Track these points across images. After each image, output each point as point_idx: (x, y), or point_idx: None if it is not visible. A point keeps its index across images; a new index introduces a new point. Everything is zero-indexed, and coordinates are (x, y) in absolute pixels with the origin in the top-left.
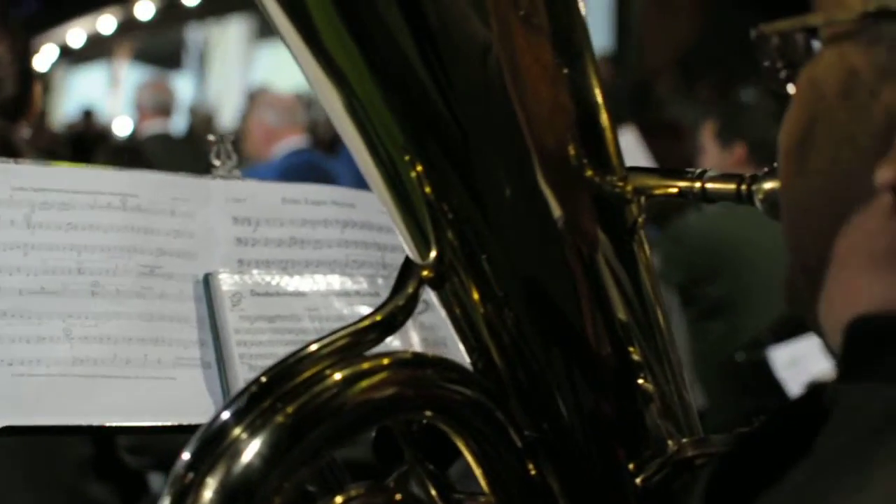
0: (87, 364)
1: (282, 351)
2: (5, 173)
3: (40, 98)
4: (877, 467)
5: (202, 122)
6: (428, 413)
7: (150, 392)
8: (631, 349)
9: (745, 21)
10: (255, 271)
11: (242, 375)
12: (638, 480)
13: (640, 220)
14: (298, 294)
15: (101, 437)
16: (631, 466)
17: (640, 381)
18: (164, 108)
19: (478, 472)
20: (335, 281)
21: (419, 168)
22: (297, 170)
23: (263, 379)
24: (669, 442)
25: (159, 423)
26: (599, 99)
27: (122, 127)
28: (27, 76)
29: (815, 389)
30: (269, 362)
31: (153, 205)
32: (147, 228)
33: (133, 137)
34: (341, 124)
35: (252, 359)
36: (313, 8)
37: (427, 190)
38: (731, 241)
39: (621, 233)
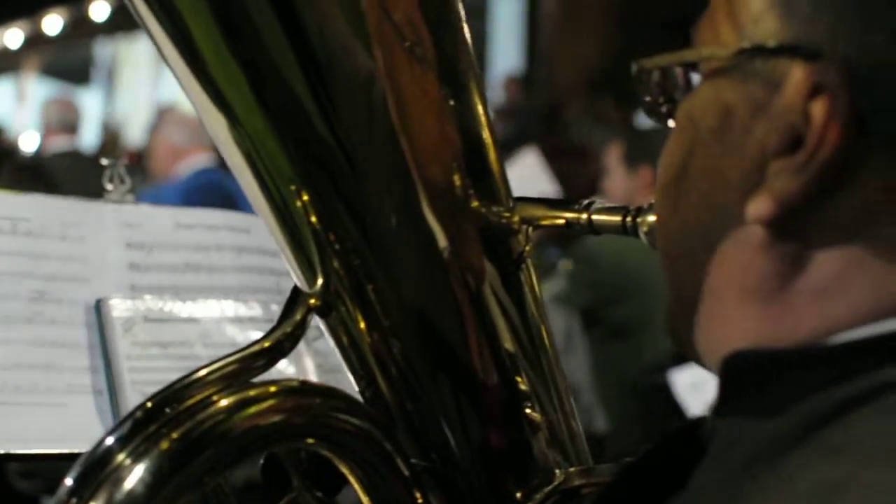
0: None
1: (174, 377)
2: None
3: None
4: (746, 502)
5: (111, 138)
6: (314, 441)
7: (40, 419)
8: (518, 379)
9: (656, 43)
10: (147, 297)
11: (134, 402)
12: None
13: (526, 249)
14: (191, 320)
15: None
16: (518, 495)
17: (528, 410)
18: (70, 125)
19: (364, 500)
20: (229, 307)
21: (305, 198)
22: (201, 190)
23: (148, 404)
24: (557, 471)
25: (50, 451)
26: (486, 130)
27: (29, 143)
28: None
29: (695, 422)
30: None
31: (44, 229)
32: (38, 253)
33: (38, 155)
34: (228, 153)
35: (144, 385)
36: (201, 39)
37: (313, 219)
38: (636, 264)
39: (508, 263)
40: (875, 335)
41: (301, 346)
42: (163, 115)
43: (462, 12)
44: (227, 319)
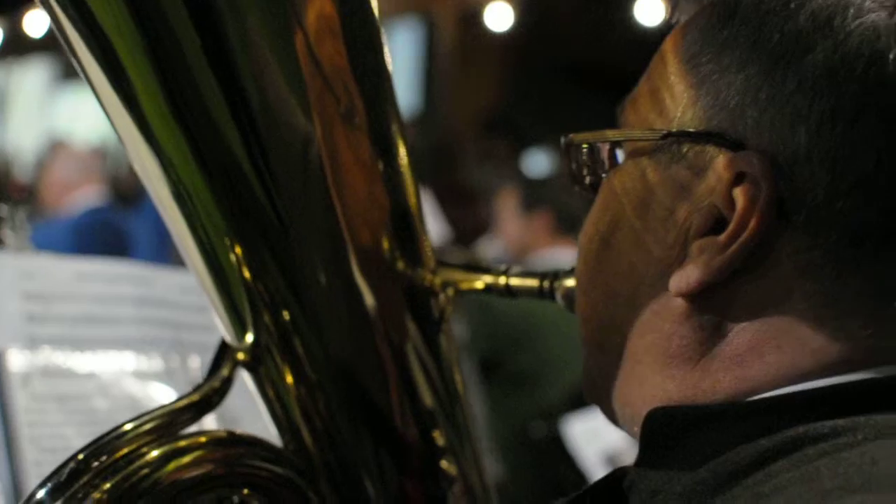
0: None
1: (71, 431)
2: None
3: None
4: None
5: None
6: (241, 490)
7: None
8: (435, 433)
9: (550, 87)
10: (46, 348)
11: (31, 456)
12: None
13: (447, 310)
14: (90, 374)
15: None
16: None
17: (444, 463)
18: None
19: None
20: (129, 360)
21: (238, 251)
22: (93, 229)
23: (81, 456)
24: None
25: None
26: (413, 194)
27: None
28: None
29: (616, 473)
30: (59, 442)
31: None
32: None
33: None
34: (159, 199)
35: (41, 439)
36: (142, 94)
37: (245, 274)
38: (533, 313)
39: (429, 323)
40: (788, 393)
41: None
42: (55, 150)
43: (390, 74)
44: (127, 373)
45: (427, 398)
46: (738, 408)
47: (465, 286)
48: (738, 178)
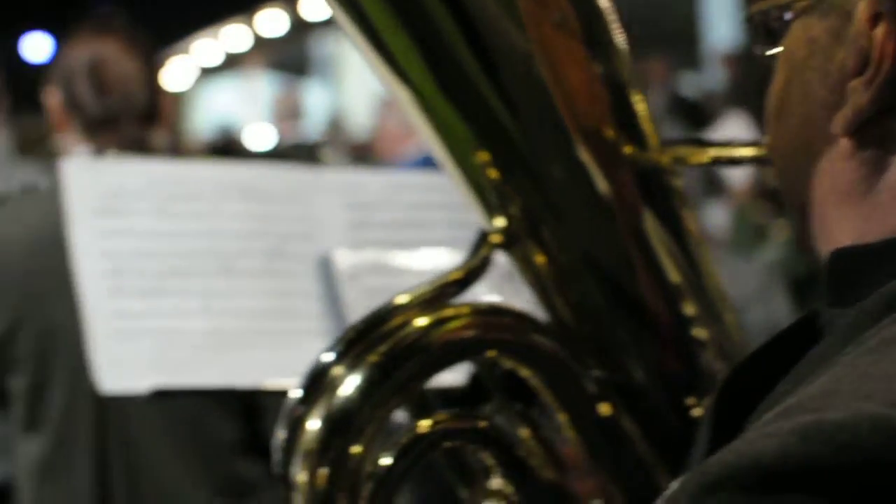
0: (222, 335)
1: None
2: (139, 169)
3: (173, 107)
4: (832, 367)
5: (334, 128)
6: (504, 356)
7: (278, 359)
8: (685, 304)
9: None
10: (369, 251)
11: None
12: (695, 413)
13: (677, 185)
14: (410, 271)
15: (250, 417)
16: (690, 402)
17: (695, 330)
18: (295, 116)
19: (560, 416)
20: (443, 257)
21: (483, 157)
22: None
23: (359, 326)
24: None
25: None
26: (627, 85)
27: (256, 137)
28: (157, 87)
29: (809, 314)
30: None
31: (275, 194)
32: (270, 215)
33: (271, 148)
34: (419, 125)
35: None
36: (391, 40)
37: (491, 174)
38: None
39: (663, 200)
40: None
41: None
42: (384, 107)
43: None
44: (442, 269)
45: (672, 273)
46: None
47: (693, 160)
48: (876, 18)
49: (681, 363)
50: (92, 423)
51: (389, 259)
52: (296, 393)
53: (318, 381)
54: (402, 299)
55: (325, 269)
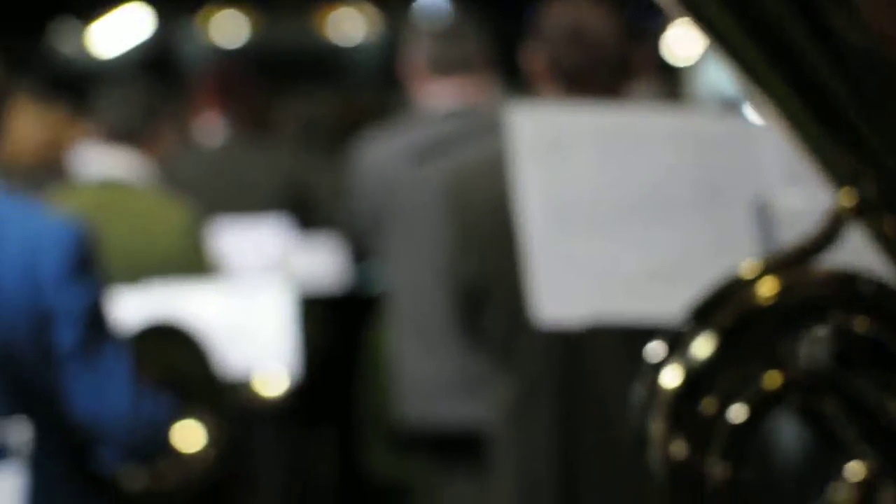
0: (657, 274)
1: None
2: (583, 115)
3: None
4: None
5: None
6: (860, 320)
7: None
8: None
9: None
10: (804, 196)
11: None
12: None
13: None
14: None
15: None
16: None
17: None
18: None
19: None
20: None
21: (827, 143)
22: None
23: (715, 290)
24: None
25: None
26: None
27: None
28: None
29: None
30: None
31: (711, 143)
32: (707, 163)
33: None
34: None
35: None
36: (753, 61)
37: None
38: None
39: None
40: None
41: None
42: None
43: None
44: None
45: None
46: None
47: None
48: None
49: None
50: (558, 362)
51: (822, 205)
52: (656, 350)
53: (678, 341)
54: (751, 265)
55: (763, 215)
